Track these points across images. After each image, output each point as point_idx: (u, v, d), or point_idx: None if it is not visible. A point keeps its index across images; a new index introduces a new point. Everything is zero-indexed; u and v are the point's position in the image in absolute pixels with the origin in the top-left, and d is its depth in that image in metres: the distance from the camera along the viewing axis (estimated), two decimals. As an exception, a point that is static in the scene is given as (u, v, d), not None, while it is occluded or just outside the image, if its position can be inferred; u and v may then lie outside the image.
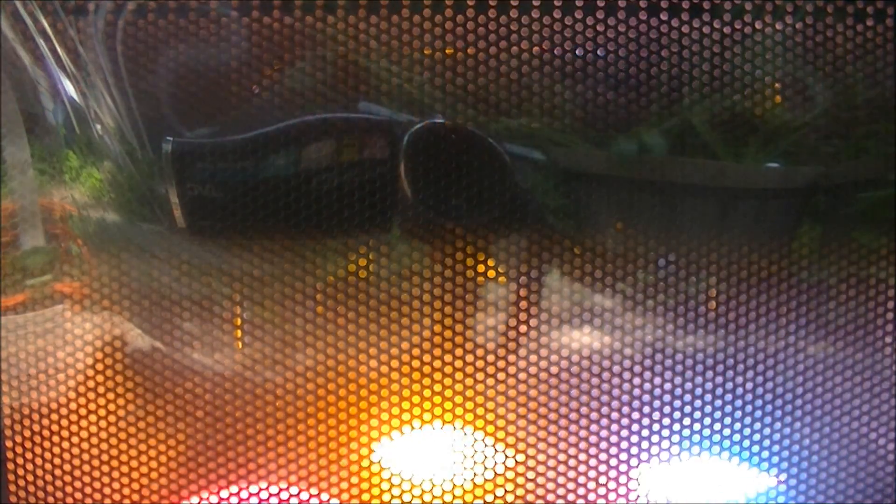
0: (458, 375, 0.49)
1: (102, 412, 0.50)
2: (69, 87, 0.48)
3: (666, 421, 0.50)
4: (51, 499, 0.51)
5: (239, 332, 0.50)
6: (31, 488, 0.51)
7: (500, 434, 0.50)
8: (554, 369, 0.50)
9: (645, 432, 0.50)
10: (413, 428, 0.50)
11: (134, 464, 0.51)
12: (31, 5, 0.47)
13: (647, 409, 0.50)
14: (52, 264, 0.49)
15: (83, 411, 0.50)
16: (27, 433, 0.50)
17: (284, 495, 0.51)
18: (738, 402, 0.50)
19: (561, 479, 0.51)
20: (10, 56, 0.48)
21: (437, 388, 0.50)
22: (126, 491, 0.51)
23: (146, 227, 0.49)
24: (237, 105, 0.48)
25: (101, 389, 0.50)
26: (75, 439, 0.50)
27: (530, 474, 0.51)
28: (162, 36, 0.48)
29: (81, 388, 0.50)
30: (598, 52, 0.48)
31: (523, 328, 0.49)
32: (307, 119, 0.48)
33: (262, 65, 0.48)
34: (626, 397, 0.50)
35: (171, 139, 0.48)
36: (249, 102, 0.48)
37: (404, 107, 0.48)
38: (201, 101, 0.48)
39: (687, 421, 0.50)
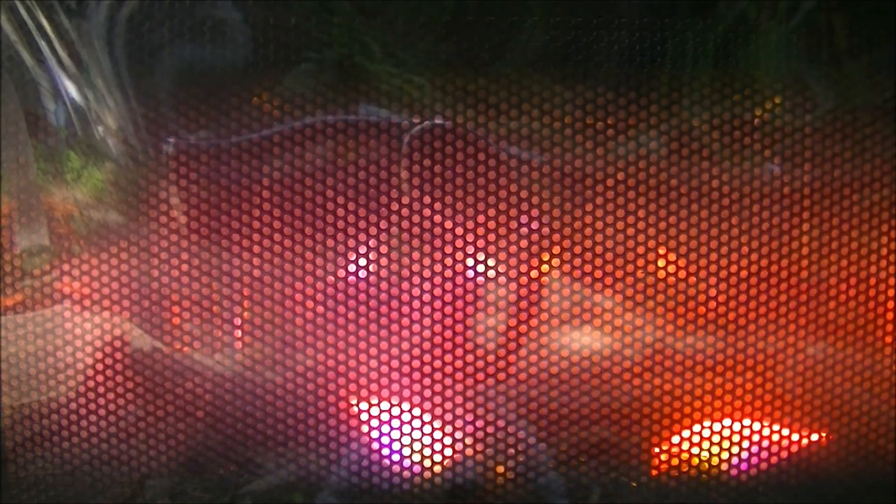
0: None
1: (102, 412, 0.50)
2: (70, 88, 0.48)
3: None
4: (50, 499, 0.51)
5: (240, 334, 0.50)
6: (31, 489, 0.51)
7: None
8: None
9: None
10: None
11: (134, 464, 0.51)
12: (31, 5, 0.47)
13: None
14: (52, 264, 0.49)
15: (83, 411, 0.50)
16: (27, 433, 0.50)
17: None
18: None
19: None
20: (11, 56, 0.48)
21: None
22: (127, 491, 0.51)
23: (147, 227, 0.49)
24: (238, 106, 0.48)
25: (101, 389, 0.50)
26: (75, 439, 0.50)
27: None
28: (163, 36, 0.48)
29: (81, 388, 0.50)
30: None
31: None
32: (308, 121, 0.48)
33: (264, 66, 0.48)
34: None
35: (171, 140, 0.48)
36: (250, 104, 0.48)
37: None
38: (202, 102, 0.48)
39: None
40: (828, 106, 0.49)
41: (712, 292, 0.50)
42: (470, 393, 0.50)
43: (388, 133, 0.48)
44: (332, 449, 0.51)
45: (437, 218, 0.49)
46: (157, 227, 0.48)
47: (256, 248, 0.49)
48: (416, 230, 0.49)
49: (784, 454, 0.52)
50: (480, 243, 0.49)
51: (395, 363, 0.50)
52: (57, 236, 0.49)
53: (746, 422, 0.51)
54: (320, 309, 0.49)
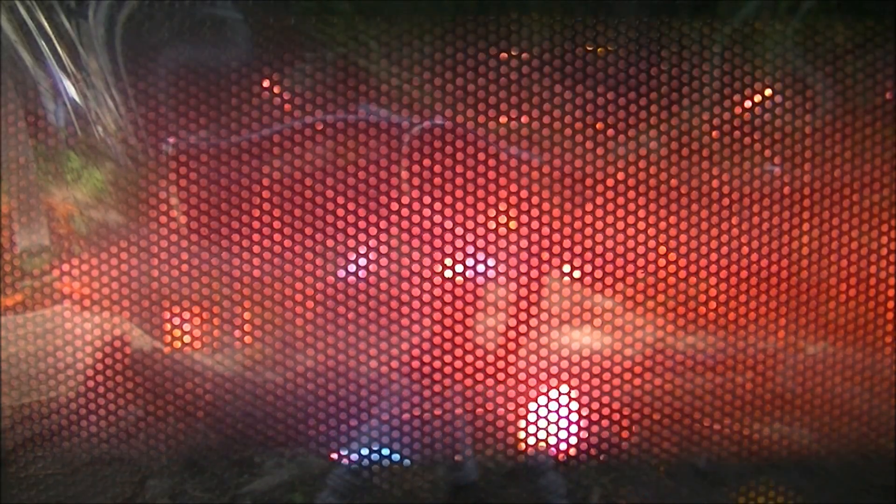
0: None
1: (103, 412, 0.50)
2: (70, 88, 0.48)
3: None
4: (50, 499, 0.51)
5: (239, 334, 0.50)
6: (31, 489, 0.51)
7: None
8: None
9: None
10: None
11: (135, 464, 0.51)
12: (31, 5, 0.47)
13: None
14: (52, 264, 0.49)
15: (83, 411, 0.50)
16: (27, 433, 0.50)
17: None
18: None
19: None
20: (11, 56, 0.48)
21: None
22: (127, 491, 0.51)
23: (147, 227, 0.49)
24: (238, 106, 0.48)
25: (101, 389, 0.50)
26: (75, 439, 0.50)
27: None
28: (162, 36, 0.48)
29: (81, 388, 0.50)
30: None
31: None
32: (308, 121, 0.48)
33: (263, 66, 0.48)
34: None
35: (171, 140, 0.48)
36: (250, 104, 0.48)
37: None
38: (202, 102, 0.48)
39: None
40: (828, 106, 0.49)
41: (712, 292, 0.50)
42: (469, 393, 0.50)
43: (388, 133, 0.48)
44: (332, 449, 0.51)
45: (438, 218, 0.49)
46: (156, 227, 0.48)
47: (256, 248, 0.49)
48: (416, 230, 0.49)
49: (784, 454, 0.52)
50: (480, 243, 0.49)
51: (394, 363, 0.50)
52: (57, 236, 0.49)
53: (746, 421, 0.51)
54: (320, 309, 0.49)
